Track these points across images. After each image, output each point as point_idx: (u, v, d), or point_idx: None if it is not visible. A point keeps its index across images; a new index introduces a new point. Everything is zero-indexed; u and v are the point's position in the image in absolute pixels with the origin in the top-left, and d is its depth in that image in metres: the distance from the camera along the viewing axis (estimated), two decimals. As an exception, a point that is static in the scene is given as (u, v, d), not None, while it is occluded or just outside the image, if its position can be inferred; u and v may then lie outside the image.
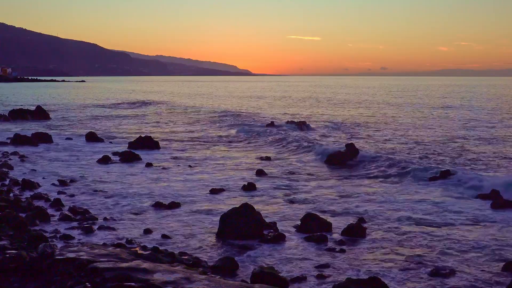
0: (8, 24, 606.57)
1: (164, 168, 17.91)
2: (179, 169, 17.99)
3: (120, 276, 6.54)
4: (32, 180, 14.95)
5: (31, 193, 13.60)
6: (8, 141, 24.28)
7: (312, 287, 7.80)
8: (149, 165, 18.36)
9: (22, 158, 19.65)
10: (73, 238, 9.84)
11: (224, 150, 22.67)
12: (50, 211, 11.77)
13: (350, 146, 19.99)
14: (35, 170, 17.19)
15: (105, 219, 11.32)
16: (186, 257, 8.66)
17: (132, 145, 22.57)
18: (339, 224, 11.05)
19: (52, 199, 12.89)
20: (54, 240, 9.51)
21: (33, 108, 40.57)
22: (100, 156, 19.93)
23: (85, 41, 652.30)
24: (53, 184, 15.01)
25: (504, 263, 8.58)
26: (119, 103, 59.67)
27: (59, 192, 13.85)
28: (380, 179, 16.28)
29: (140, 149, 21.63)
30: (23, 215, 10.80)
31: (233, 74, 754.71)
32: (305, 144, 23.39)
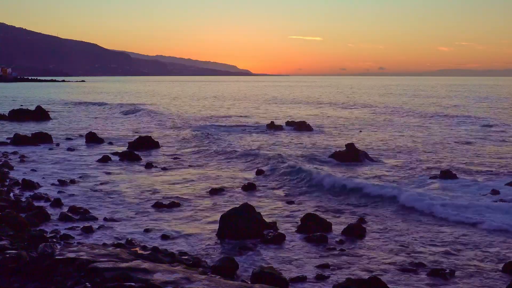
0: (8, 24, 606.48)
1: (164, 168, 17.91)
2: (179, 169, 17.99)
3: (120, 276, 6.54)
4: (32, 180, 14.94)
5: (31, 193, 13.59)
6: (8, 141, 24.29)
7: (312, 287, 7.81)
8: (149, 165, 18.35)
9: (22, 158, 19.64)
10: (73, 238, 9.84)
11: (225, 150, 22.64)
12: (50, 211, 11.77)
13: (350, 146, 19.99)
14: (35, 170, 17.19)
15: (105, 219, 11.33)
16: (186, 257, 8.67)
17: (132, 145, 22.55)
18: (339, 224, 11.06)
19: (52, 199, 12.90)
20: (54, 240, 9.51)
21: (33, 108, 40.55)
22: (100, 156, 19.93)
23: (85, 41, 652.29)
24: (53, 184, 15.01)
25: (504, 264, 8.59)
26: (119, 103, 59.63)
27: (59, 192, 13.86)
28: (380, 179, 16.27)
29: (140, 149, 21.64)
30: (23, 215, 10.81)
31: (233, 74, 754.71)
32: (305, 144, 23.41)
